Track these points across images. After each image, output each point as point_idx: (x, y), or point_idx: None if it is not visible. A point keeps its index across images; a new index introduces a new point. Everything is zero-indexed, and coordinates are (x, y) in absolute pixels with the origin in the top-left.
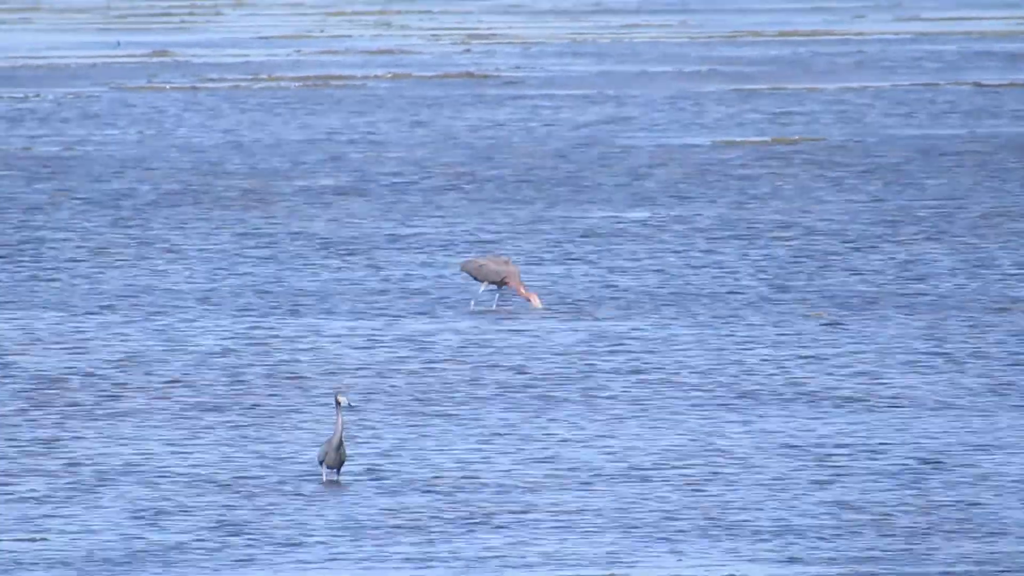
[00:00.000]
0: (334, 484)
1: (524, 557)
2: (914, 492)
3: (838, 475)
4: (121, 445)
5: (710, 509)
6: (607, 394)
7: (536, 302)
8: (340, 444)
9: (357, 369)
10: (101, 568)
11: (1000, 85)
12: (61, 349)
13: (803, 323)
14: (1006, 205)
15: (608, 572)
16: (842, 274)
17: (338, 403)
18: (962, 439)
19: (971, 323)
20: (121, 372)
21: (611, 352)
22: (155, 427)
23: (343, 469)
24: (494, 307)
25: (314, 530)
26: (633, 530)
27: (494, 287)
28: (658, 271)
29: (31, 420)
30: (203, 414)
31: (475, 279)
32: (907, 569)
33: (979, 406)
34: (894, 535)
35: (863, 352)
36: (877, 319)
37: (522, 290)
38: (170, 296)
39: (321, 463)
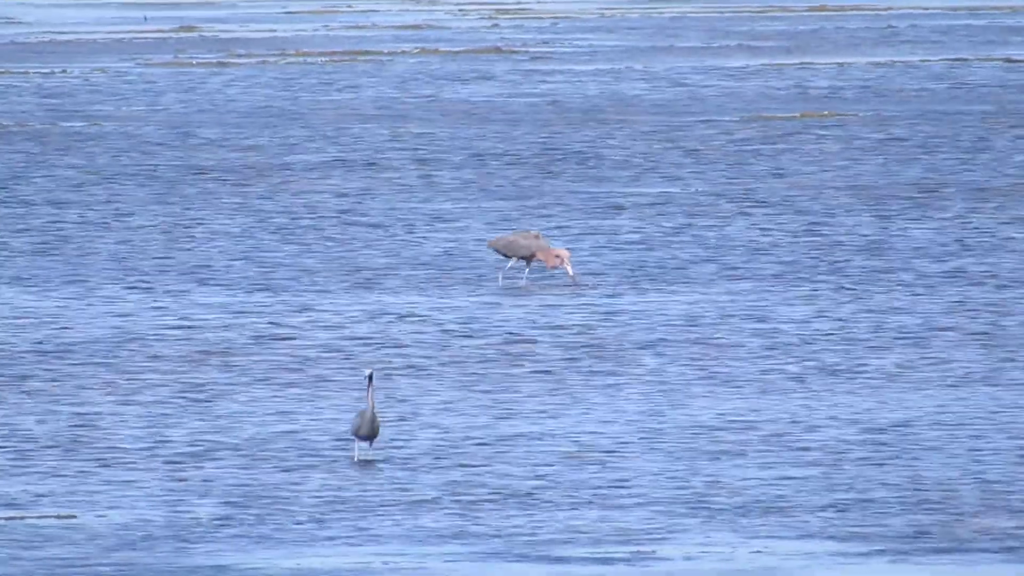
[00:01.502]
0: (365, 461)
1: (552, 533)
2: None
3: (874, 452)
4: (143, 419)
5: (735, 485)
6: (635, 368)
7: (568, 267)
8: (373, 417)
9: (383, 346)
10: (142, 541)
11: None
12: (106, 322)
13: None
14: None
15: (635, 548)
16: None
17: (370, 379)
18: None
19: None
20: (177, 343)
21: (633, 325)
22: (202, 402)
23: (374, 443)
24: (523, 283)
25: (342, 505)
26: (662, 506)
27: (523, 262)
28: (684, 244)
29: (53, 394)
30: (248, 387)
31: (505, 256)
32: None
33: None
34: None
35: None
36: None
37: (553, 261)
38: (206, 271)
39: (355, 435)
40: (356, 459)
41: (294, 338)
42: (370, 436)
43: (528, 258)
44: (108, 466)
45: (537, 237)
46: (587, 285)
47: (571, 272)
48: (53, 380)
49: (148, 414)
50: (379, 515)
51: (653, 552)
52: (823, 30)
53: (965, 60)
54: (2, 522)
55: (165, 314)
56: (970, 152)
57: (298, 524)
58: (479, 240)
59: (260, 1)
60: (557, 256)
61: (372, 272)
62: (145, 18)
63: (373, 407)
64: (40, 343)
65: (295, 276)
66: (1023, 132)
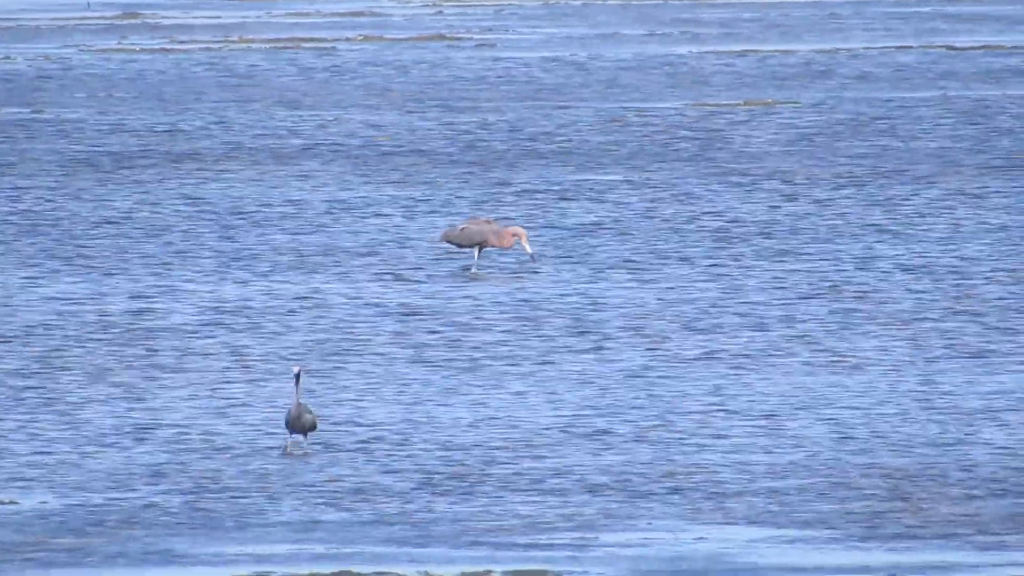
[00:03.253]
0: (299, 450)
1: (495, 519)
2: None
3: (799, 435)
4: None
5: (680, 472)
6: (567, 354)
7: (526, 245)
8: (300, 413)
9: (324, 334)
10: (91, 527)
11: (973, 47)
12: (50, 312)
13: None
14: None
15: (579, 535)
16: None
17: (297, 378)
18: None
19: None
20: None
21: (560, 311)
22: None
23: (311, 436)
24: (473, 270)
25: (284, 494)
26: (602, 493)
27: (475, 249)
28: (627, 231)
29: (21, 375)
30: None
31: (459, 247)
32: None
33: None
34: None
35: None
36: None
37: (509, 240)
38: (143, 258)
39: (288, 428)
40: (288, 450)
41: (224, 324)
42: (302, 430)
43: (482, 245)
44: (48, 452)
45: (489, 222)
46: (541, 264)
47: (529, 249)
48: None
49: (82, 398)
50: (322, 503)
51: (596, 539)
52: (766, 18)
53: (909, 47)
54: None
55: (89, 298)
56: (906, 139)
57: (241, 511)
58: (420, 228)
59: None
60: (514, 235)
61: (308, 259)
62: (88, 4)
63: (299, 403)
64: None
65: (230, 261)
66: (963, 119)
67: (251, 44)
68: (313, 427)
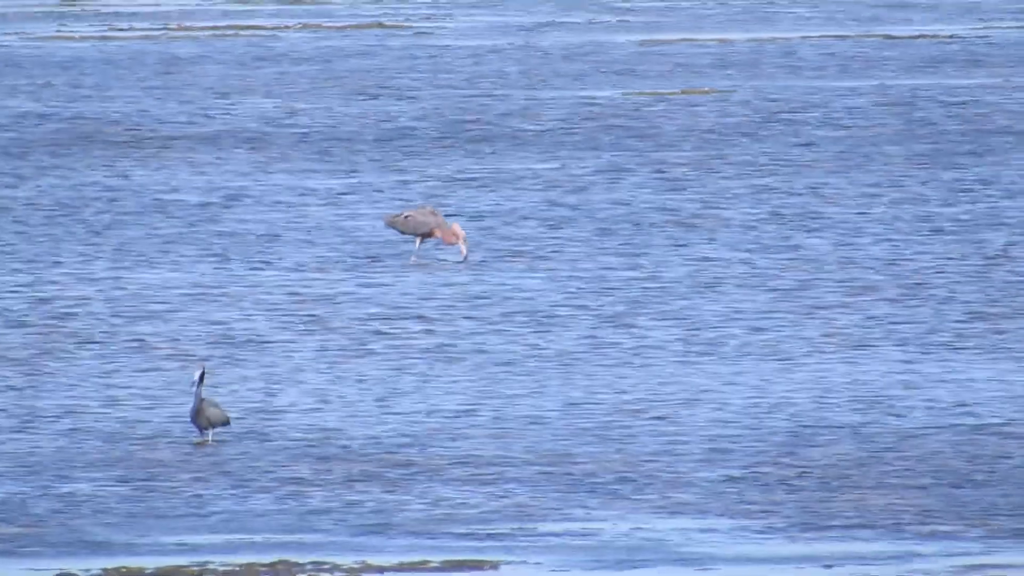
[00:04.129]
0: (206, 443)
1: (431, 511)
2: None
3: (737, 432)
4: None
5: (623, 461)
6: (509, 345)
7: (463, 247)
8: (203, 408)
9: (280, 323)
10: (23, 516)
11: (910, 37)
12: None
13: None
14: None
15: (518, 525)
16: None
17: (201, 378)
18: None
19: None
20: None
21: (513, 302)
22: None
23: (221, 430)
24: (413, 259)
25: (215, 483)
26: (540, 483)
27: (417, 238)
28: (562, 221)
29: None
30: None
31: (402, 233)
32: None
33: None
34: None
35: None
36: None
37: (450, 238)
38: (75, 248)
39: (193, 422)
40: (211, 440)
41: (157, 316)
42: (208, 425)
43: (425, 235)
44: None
45: (434, 213)
46: (471, 263)
47: (464, 252)
48: None
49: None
50: (254, 492)
51: (534, 528)
52: (704, 5)
53: (845, 36)
54: None
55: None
56: (836, 128)
57: (174, 501)
58: (367, 216)
59: None
60: (455, 235)
61: (253, 248)
62: None
63: (202, 398)
64: None
65: (165, 249)
66: (900, 109)
67: (190, 32)
68: (224, 421)
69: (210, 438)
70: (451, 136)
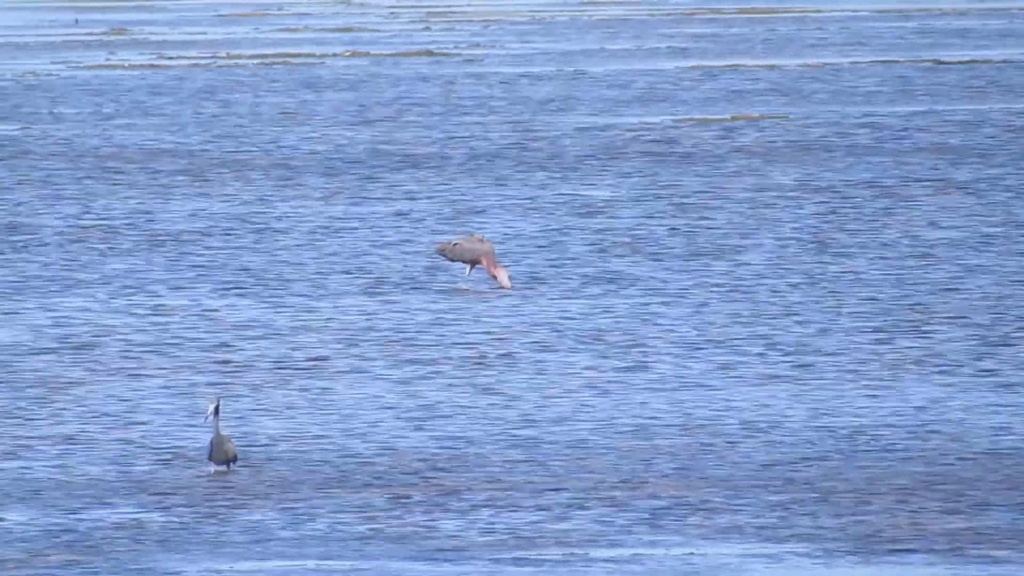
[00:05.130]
0: (223, 474)
1: (477, 537)
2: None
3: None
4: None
5: (675, 485)
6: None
7: (505, 281)
8: (222, 442)
9: (328, 350)
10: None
11: (961, 62)
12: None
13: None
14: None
15: (568, 551)
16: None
17: (216, 410)
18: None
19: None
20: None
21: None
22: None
23: (234, 465)
24: (463, 285)
25: (236, 510)
26: (595, 506)
27: (467, 265)
28: (611, 249)
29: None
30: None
31: (450, 260)
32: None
33: None
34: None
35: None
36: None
37: (492, 269)
38: (134, 278)
39: (209, 459)
40: (213, 472)
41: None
42: (224, 460)
43: (474, 262)
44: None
45: (482, 241)
46: (518, 281)
47: (506, 283)
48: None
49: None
50: (270, 520)
51: (585, 554)
52: (753, 32)
53: (896, 62)
54: None
55: (103, 315)
56: (896, 155)
57: (226, 528)
58: (414, 243)
59: (191, 4)
60: (496, 276)
61: (300, 274)
62: (76, 21)
63: (219, 432)
64: None
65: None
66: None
67: (239, 60)
68: (235, 457)
69: (228, 469)
70: (497, 161)
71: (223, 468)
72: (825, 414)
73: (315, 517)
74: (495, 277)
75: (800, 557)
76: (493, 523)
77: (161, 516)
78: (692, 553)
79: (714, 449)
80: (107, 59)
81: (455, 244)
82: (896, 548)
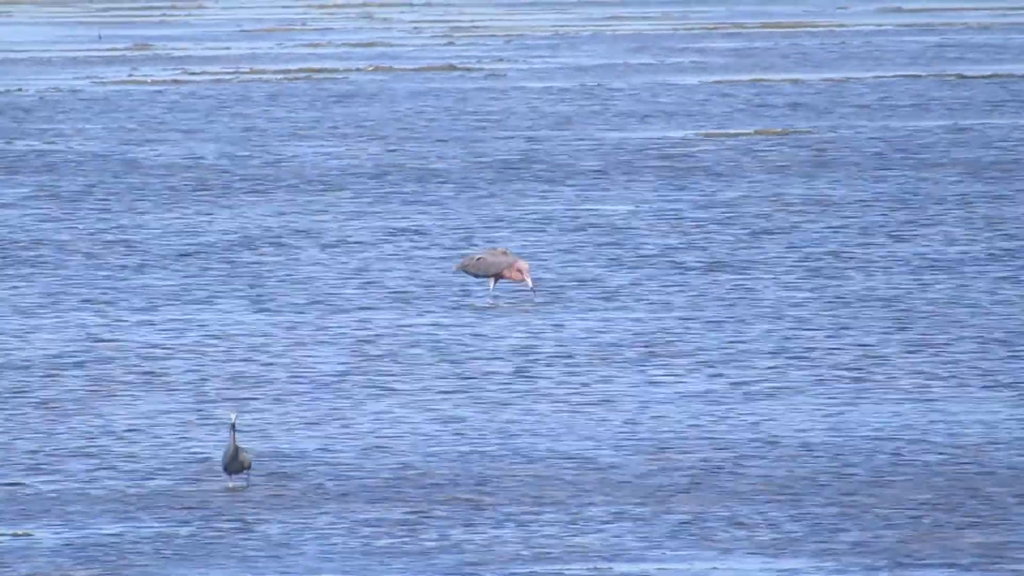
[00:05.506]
0: (240, 489)
1: (500, 551)
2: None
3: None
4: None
5: (703, 499)
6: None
7: (528, 279)
8: (236, 453)
9: (372, 362)
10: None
11: (983, 76)
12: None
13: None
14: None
15: (594, 565)
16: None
17: (233, 427)
18: None
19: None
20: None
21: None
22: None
23: (247, 474)
24: (490, 301)
25: (280, 524)
26: (622, 520)
27: (492, 279)
28: (629, 263)
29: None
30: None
31: (475, 276)
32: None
33: None
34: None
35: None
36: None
37: (515, 275)
38: (148, 294)
39: (225, 471)
40: (230, 487)
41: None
42: (239, 470)
43: (498, 275)
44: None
45: (505, 253)
46: (539, 294)
47: (531, 284)
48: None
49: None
50: (293, 534)
51: (610, 569)
52: (776, 47)
53: (919, 76)
54: None
55: (132, 332)
56: (918, 168)
57: (254, 542)
58: (434, 258)
59: (215, 20)
60: (518, 270)
61: (325, 289)
62: (100, 36)
63: (234, 444)
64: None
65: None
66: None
67: (262, 75)
68: (248, 465)
69: (246, 483)
70: (518, 176)
71: (240, 482)
72: (848, 428)
73: (337, 531)
74: (523, 276)
75: (823, 572)
76: (516, 538)
77: (185, 530)
78: (715, 568)
79: (736, 463)
80: (130, 75)
81: (478, 259)
82: (920, 563)
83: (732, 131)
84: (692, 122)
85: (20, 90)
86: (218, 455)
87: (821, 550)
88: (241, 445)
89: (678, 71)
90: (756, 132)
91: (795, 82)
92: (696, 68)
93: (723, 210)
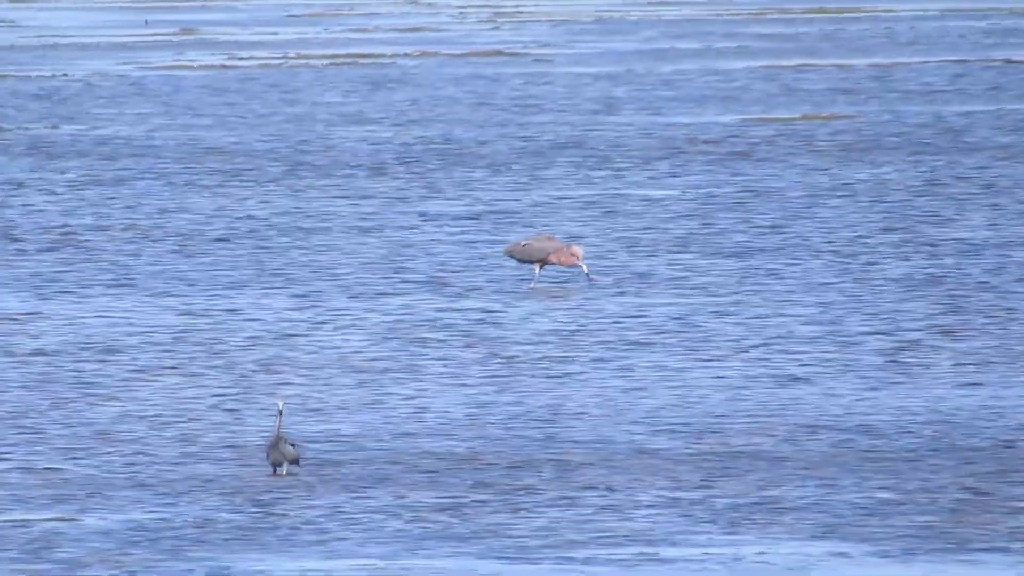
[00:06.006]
0: (289, 476)
1: (548, 535)
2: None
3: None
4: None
5: (752, 484)
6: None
7: (583, 265)
8: (277, 443)
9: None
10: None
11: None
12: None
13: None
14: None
15: (639, 550)
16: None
17: (280, 411)
18: None
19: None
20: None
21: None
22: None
23: (296, 464)
24: (533, 285)
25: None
26: (669, 505)
27: (537, 265)
28: (670, 247)
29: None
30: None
31: (521, 261)
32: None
33: None
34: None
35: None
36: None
37: (568, 259)
38: (176, 281)
39: (268, 461)
40: (274, 473)
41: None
42: (279, 462)
43: (543, 261)
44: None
45: (550, 239)
46: (596, 281)
47: (586, 269)
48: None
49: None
50: (336, 519)
51: (656, 553)
52: (822, 32)
53: (965, 61)
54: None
55: (165, 316)
56: (964, 152)
57: (303, 529)
58: (484, 243)
59: (261, 4)
60: (572, 254)
61: (375, 275)
62: (146, 21)
63: (278, 434)
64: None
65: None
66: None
67: (309, 60)
68: (295, 460)
69: (284, 472)
70: (564, 160)
71: (282, 470)
72: (890, 412)
73: (381, 516)
74: (577, 261)
75: (872, 556)
76: (560, 523)
77: (227, 515)
78: (764, 552)
79: (786, 448)
80: (176, 59)
81: (524, 244)
82: (965, 547)
83: (777, 116)
84: (738, 107)
85: (66, 75)
86: (260, 441)
87: (866, 534)
88: (285, 435)
89: (724, 56)
90: (802, 117)
91: (841, 67)
92: (742, 53)
93: (767, 194)
